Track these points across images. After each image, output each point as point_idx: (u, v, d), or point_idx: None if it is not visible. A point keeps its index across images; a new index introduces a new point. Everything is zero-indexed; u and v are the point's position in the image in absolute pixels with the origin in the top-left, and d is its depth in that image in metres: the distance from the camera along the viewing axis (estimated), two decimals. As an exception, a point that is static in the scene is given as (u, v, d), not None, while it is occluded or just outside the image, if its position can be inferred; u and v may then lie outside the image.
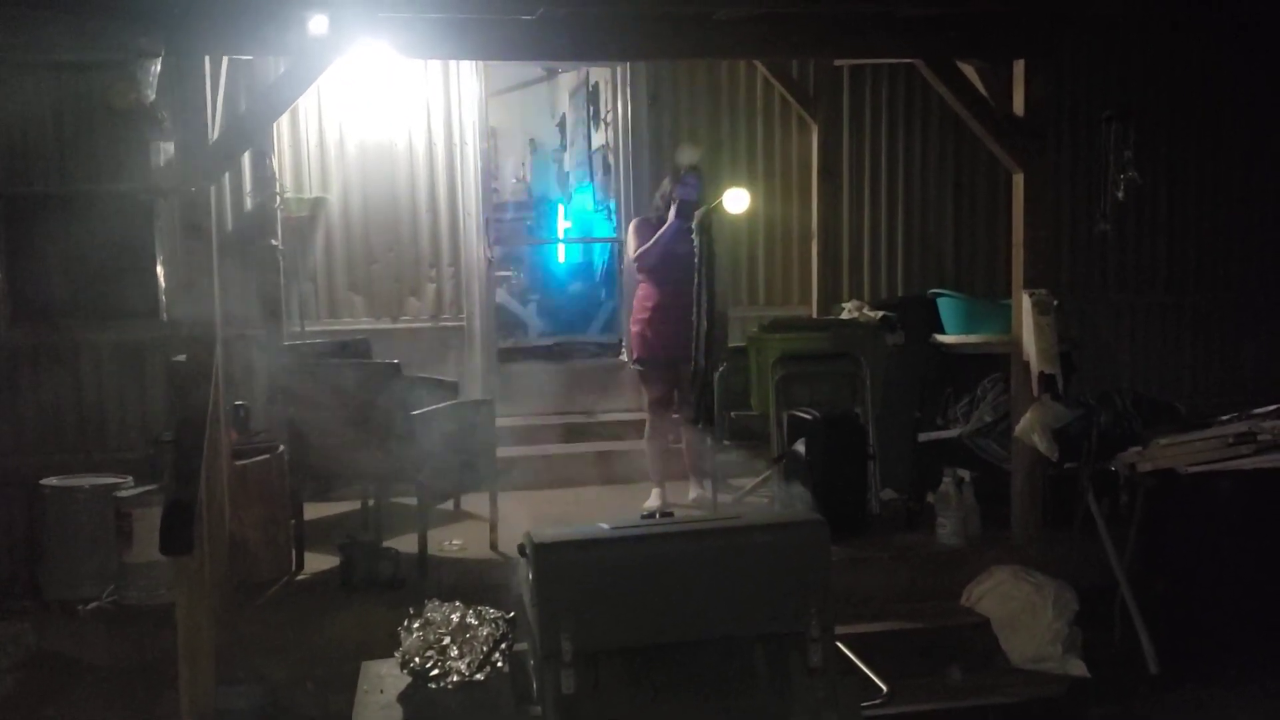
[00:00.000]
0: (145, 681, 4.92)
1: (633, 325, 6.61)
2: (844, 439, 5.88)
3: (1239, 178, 8.32)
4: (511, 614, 3.83)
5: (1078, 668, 5.05)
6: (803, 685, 3.22)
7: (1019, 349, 5.70)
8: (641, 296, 6.53)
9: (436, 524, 6.02)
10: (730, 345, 6.67)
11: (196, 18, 4.86)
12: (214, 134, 5.09)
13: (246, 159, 6.87)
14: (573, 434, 7.66)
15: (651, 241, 6.34)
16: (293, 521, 5.62)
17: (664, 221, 6.38)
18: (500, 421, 6.22)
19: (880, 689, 4.36)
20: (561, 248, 12.04)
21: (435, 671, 3.68)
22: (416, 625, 3.85)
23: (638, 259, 6.44)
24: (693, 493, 6.56)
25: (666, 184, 6.54)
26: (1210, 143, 8.25)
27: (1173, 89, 8.07)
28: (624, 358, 8.09)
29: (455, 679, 3.65)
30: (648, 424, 6.63)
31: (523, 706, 3.51)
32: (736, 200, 5.93)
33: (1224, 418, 5.39)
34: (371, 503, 6.22)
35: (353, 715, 3.92)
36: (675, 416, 6.58)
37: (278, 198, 7.07)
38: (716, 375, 6.15)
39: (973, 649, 5.21)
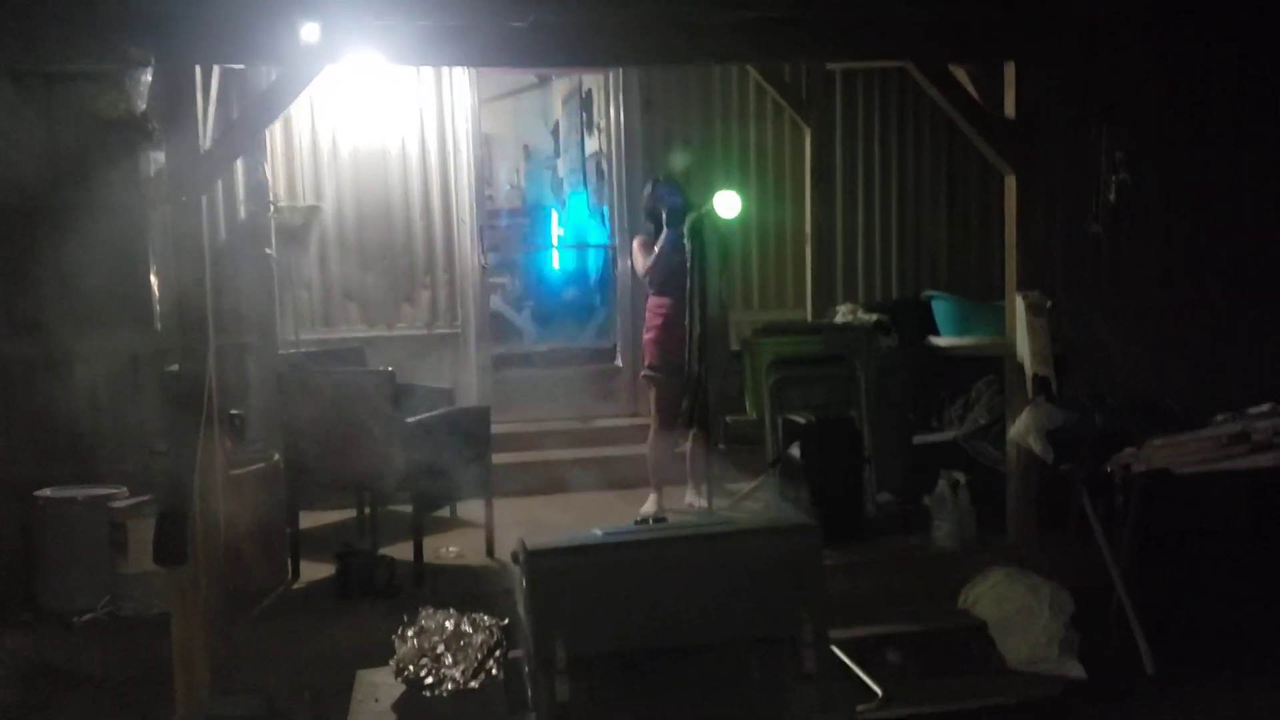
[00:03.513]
0: (141, 692, 4.90)
1: (646, 333, 6.59)
2: (839, 443, 5.89)
3: (1230, 178, 8.32)
4: (506, 621, 3.83)
5: (1074, 669, 5.04)
6: (796, 690, 3.22)
7: (1013, 351, 5.70)
8: (654, 305, 6.54)
9: (432, 531, 6.02)
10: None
11: (187, 26, 4.86)
12: (206, 143, 5.09)
13: (239, 167, 6.85)
14: (568, 440, 7.65)
15: (654, 256, 6.37)
16: (288, 530, 5.62)
17: (656, 233, 6.39)
18: (495, 428, 6.21)
19: (875, 693, 4.37)
20: (555, 254, 12.04)
21: (430, 679, 3.69)
22: (411, 633, 3.86)
23: (647, 275, 6.48)
24: (688, 498, 6.55)
25: (647, 198, 6.58)
26: (1201, 143, 8.25)
27: (1164, 90, 8.07)
28: (619, 363, 8.09)
29: (450, 687, 3.67)
30: (653, 430, 6.60)
31: (518, 713, 3.51)
32: (727, 204, 5.93)
33: (1218, 418, 5.38)
34: (367, 511, 6.21)
35: (348, 724, 3.93)
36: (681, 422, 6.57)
37: (271, 206, 7.07)
38: (713, 379, 6.14)
39: (969, 651, 5.20)
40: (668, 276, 6.35)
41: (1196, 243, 8.36)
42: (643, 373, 6.71)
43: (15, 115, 6.57)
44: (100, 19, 4.88)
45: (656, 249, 6.35)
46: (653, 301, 6.56)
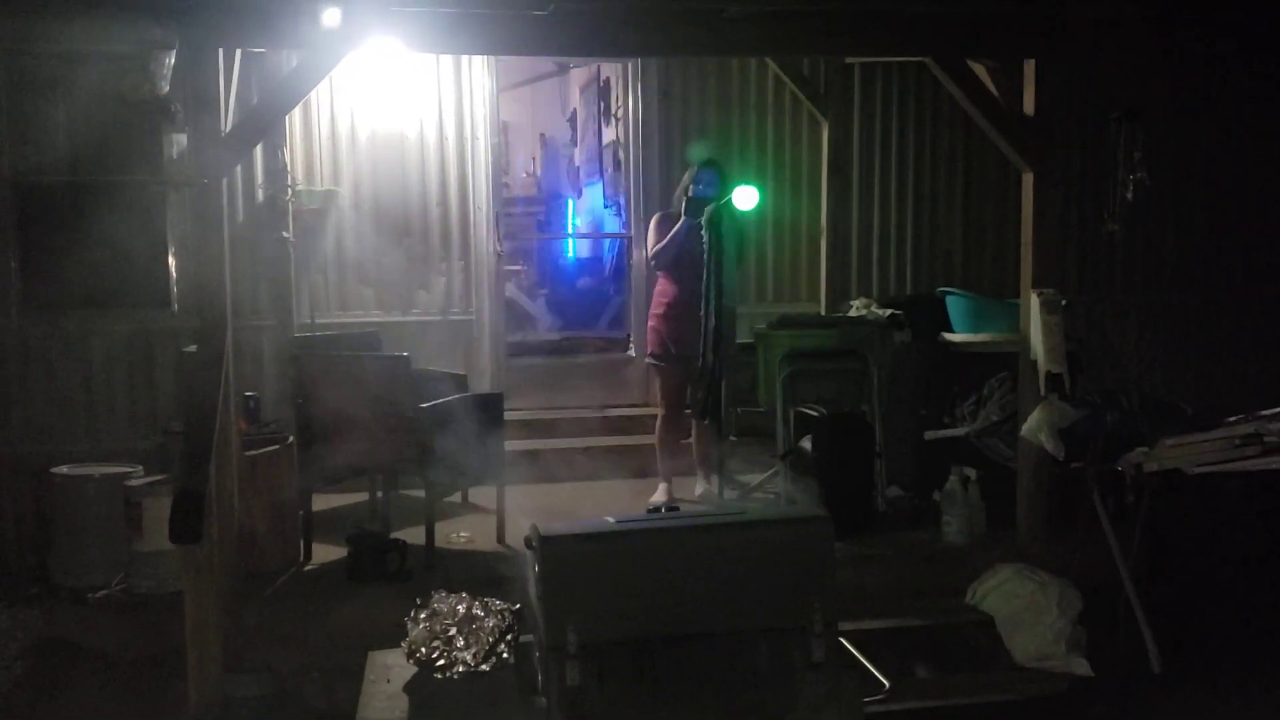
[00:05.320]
0: (153, 670, 4.94)
1: (650, 320, 6.61)
2: (850, 436, 5.90)
3: (1247, 178, 8.30)
4: (518, 606, 3.86)
5: (1081, 666, 5.05)
6: (805, 679, 3.25)
7: (1026, 348, 5.70)
8: (660, 292, 6.53)
9: (444, 516, 6.06)
10: (738, 341, 6.68)
11: (210, 10, 4.89)
12: (227, 126, 5.12)
13: (258, 151, 6.88)
14: (580, 428, 7.67)
15: (666, 240, 6.35)
16: (301, 512, 5.65)
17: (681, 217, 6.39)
18: (508, 415, 6.24)
19: (882, 684, 4.39)
20: (571, 243, 12.07)
21: (441, 662, 3.72)
22: (423, 616, 3.88)
23: (654, 256, 6.46)
24: (699, 488, 6.58)
25: (686, 178, 6.53)
26: (1218, 143, 8.23)
27: (1181, 89, 8.05)
28: (632, 353, 8.11)
29: (461, 670, 3.69)
30: (659, 419, 6.62)
31: (528, 697, 3.54)
32: (745, 197, 5.94)
33: (1231, 419, 5.37)
34: (379, 494, 6.24)
35: (359, 704, 3.97)
36: (687, 412, 6.59)
37: (289, 190, 7.10)
38: (726, 372, 6.15)
39: (976, 647, 5.22)
40: (675, 263, 6.34)
41: (1211, 243, 8.35)
42: (646, 360, 6.73)
43: (39, 96, 6.62)
44: (125, 1, 4.91)
45: (670, 234, 6.34)
46: (658, 288, 6.55)
